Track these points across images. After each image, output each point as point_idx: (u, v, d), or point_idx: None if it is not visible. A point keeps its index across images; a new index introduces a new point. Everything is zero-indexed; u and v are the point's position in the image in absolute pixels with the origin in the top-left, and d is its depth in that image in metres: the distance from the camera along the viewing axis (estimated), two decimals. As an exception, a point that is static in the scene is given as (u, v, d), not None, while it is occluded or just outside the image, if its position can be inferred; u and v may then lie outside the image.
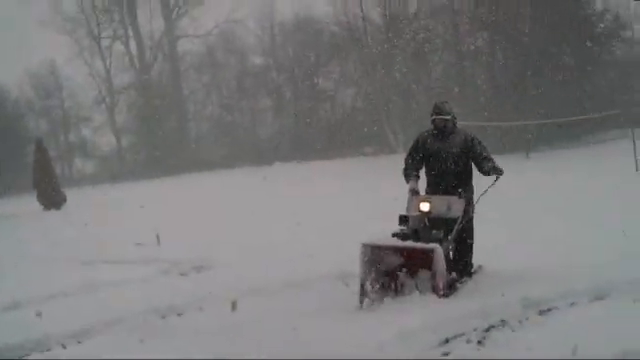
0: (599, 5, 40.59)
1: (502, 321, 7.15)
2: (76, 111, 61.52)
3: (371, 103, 46.28)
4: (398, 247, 8.19)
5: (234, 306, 8.86)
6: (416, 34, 43.27)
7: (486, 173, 8.94)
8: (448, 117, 9.04)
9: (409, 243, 8.22)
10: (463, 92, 40.53)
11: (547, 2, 37.34)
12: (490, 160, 8.99)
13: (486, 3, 40.22)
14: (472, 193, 9.21)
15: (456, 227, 8.65)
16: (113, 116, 61.61)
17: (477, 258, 9.31)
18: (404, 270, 8.12)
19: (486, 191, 9.18)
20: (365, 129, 46.86)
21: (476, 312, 7.39)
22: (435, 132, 9.16)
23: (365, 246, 8.23)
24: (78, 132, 62.26)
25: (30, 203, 31.46)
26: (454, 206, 8.73)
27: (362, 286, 8.18)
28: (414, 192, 9.05)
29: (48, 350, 7.97)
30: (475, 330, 6.94)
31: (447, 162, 9.04)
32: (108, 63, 62.23)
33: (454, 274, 8.70)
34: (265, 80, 57.01)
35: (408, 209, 8.94)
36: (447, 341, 6.71)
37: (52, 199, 31.21)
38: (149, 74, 61.82)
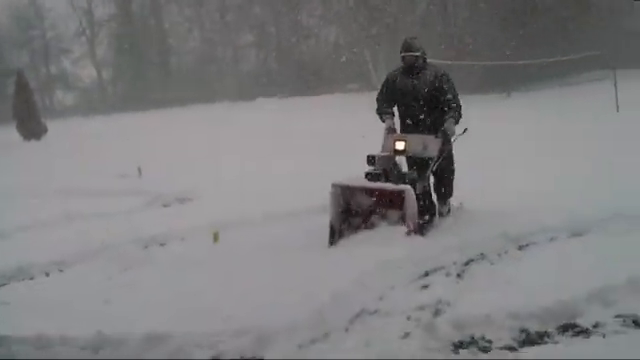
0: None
1: (481, 254, 7.23)
2: (57, 43, 60.94)
3: (354, 40, 46.02)
4: (369, 187, 8.08)
5: (216, 238, 8.91)
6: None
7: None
8: (417, 54, 8.63)
9: (380, 184, 8.07)
10: (446, 30, 40.41)
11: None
12: (455, 105, 8.55)
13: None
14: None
15: (431, 167, 8.49)
16: (94, 48, 61.17)
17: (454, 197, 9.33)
18: (375, 210, 8.07)
19: (455, 139, 8.81)
20: (348, 66, 46.73)
21: (455, 246, 7.47)
22: (405, 70, 8.78)
23: (335, 186, 8.08)
24: (59, 64, 61.80)
25: (9, 133, 31.33)
26: (430, 145, 8.47)
27: (332, 226, 8.04)
28: (390, 130, 8.85)
29: (31, 278, 8.02)
30: (454, 264, 7.02)
31: (418, 100, 8.69)
32: (89, -6, 61.62)
33: (427, 216, 8.51)
34: (248, 15, 56.56)
35: (383, 147, 8.74)
36: (427, 274, 6.79)
37: (32, 130, 31.14)
38: (130, 6, 61.17)
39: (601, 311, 5.34)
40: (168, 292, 6.72)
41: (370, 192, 8.06)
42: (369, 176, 8.20)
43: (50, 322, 5.98)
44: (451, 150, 8.85)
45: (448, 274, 6.75)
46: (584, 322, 5.18)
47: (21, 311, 6.61)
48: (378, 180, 8.13)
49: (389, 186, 7.97)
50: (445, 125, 8.43)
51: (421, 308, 5.80)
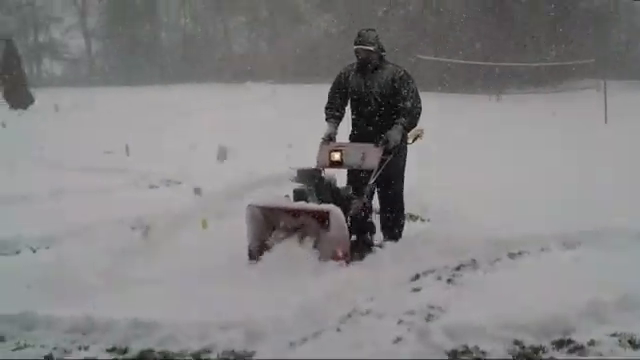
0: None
1: (472, 260, 7.15)
2: (47, 11, 60.39)
3: (348, 28, 45.90)
4: (289, 208, 7.19)
5: (204, 225, 8.80)
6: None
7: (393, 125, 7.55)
8: (371, 48, 7.55)
9: (301, 203, 7.14)
10: (439, 25, 40.39)
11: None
12: (409, 112, 7.57)
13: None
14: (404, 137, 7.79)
15: (371, 180, 7.46)
16: (84, 19, 60.67)
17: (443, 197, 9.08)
18: (299, 233, 7.08)
19: (405, 147, 7.85)
20: (339, 55, 46.65)
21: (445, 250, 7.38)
22: (359, 67, 7.77)
23: (251, 207, 7.20)
24: (48, 33, 61.26)
25: (-4, 101, 31.08)
26: (369, 156, 7.47)
27: (250, 250, 7.15)
28: (328, 139, 7.80)
29: (17, 252, 8.00)
30: (445, 268, 6.95)
31: (370, 102, 7.69)
32: (82, -37, 61.18)
33: (367, 236, 7.58)
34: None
35: (318, 159, 7.72)
36: (418, 277, 6.73)
37: (19, 99, 30.89)
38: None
39: (595, 328, 5.25)
40: (157, 278, 6.65)
41: (291, 212, 7.16)
42: (295, 193, 7.32)
43: (35, 301, 5.91)
44: (401, 161, 7.85)
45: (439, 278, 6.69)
46: (579, 339, 5.07)
47: (6, 287, 6.52)
48: (305, 198, 7.24)
49: (312, 206, 7.11)
50: (388, 132, 7.48)
51: (412, 313, 5.73)
